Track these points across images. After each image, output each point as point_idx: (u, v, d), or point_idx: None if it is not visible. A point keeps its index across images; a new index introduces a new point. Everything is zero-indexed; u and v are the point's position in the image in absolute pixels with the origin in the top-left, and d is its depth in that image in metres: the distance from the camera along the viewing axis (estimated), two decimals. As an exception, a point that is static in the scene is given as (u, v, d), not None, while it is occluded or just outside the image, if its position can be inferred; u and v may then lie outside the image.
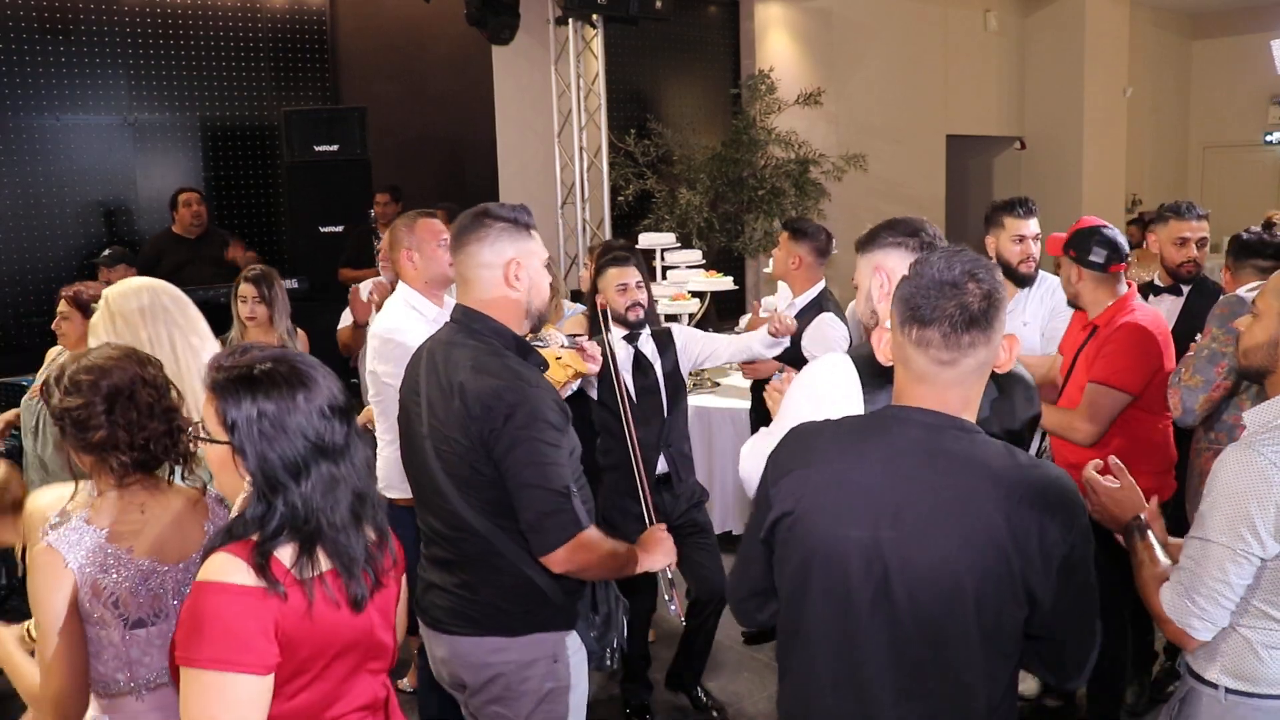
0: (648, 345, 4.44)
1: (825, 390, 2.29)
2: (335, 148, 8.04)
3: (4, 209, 8.00)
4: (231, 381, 1.91)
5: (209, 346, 2.93)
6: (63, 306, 4.61)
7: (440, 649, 2.75)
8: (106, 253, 6.59)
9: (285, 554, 1.88)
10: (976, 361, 1.87)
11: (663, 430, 4.35)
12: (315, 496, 1.91)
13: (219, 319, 6.73)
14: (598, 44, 9.14)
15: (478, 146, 9.51)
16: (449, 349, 2.66)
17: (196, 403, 2.30)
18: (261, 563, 1.85)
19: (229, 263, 7.40)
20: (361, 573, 1.96)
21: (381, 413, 3.92)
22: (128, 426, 2.17)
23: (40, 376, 4.70)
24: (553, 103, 9.31)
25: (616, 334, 4.40)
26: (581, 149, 9.29)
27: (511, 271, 2.67)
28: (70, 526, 2.14)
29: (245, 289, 5.08)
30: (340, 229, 8.01)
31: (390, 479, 3.85)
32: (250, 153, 8.97)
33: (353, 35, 9.44)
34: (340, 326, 5.76)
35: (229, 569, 1.84)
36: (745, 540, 2.10)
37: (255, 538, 1.88)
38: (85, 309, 4.61)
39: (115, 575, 2.12)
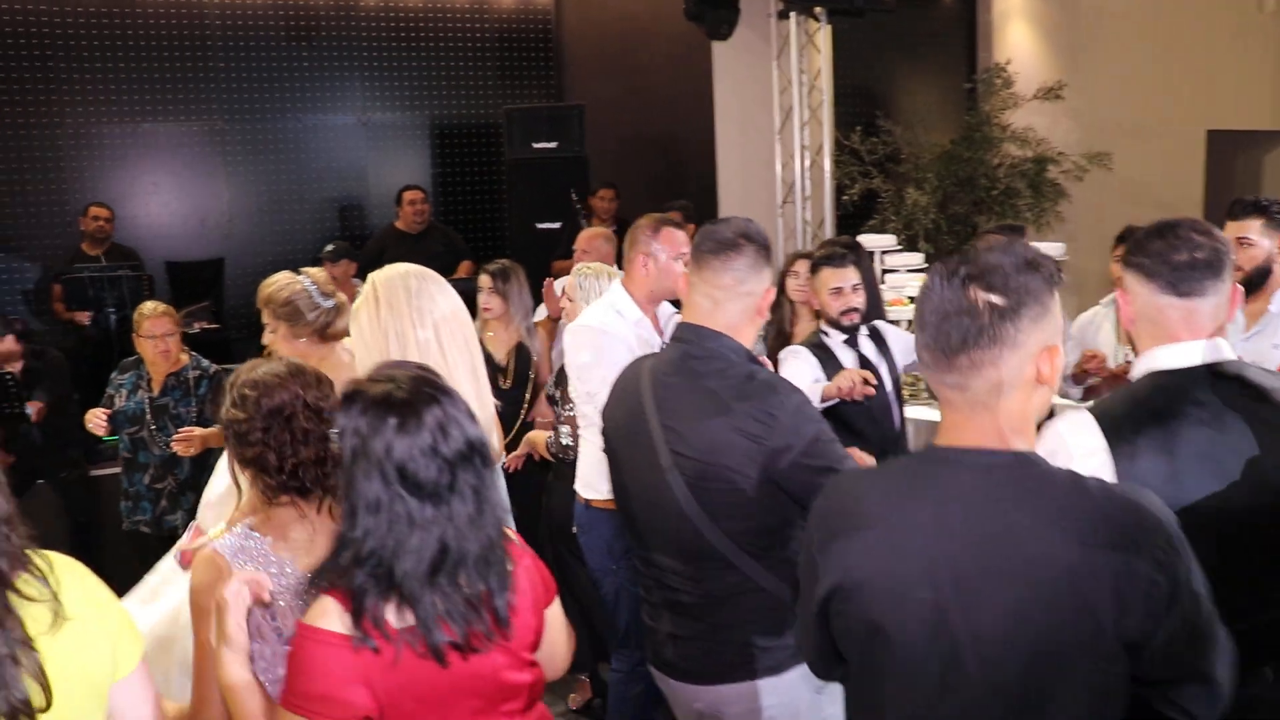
0: (868, 346, 4.21)
1: (1072, 453, 1.97)
2: (554, 145, 8.09)
3: (251, 205, 8.47)
4: (353, 391, 1.87)
5: (439, 338, 2.86)
6: None
7: (697, 701, 2.60)
8: (330, 248, 6.82)
9: (380, 601, 1.81)
10: (989, 383, 1.58)
11: (898, 438, 4.12)
12: (381, 535, 1.81)
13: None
14: (821, 38, 8.85)
15: (696, 144, 9.40)
16: (692, 376, 2.48)
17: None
18: (358, 610, 1.79)
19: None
20: (441, 623, 1.83)
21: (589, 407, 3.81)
22: (278, 449, 2.13)
23: None
24: (773, 99, 9.09)
25: (836, 338, 4.18)
26: (803, 147, 9.03)
27: (767, 301, 2.54)
28: (235, 533, 2.13)
29: (483, 280, 5.13)
30: (557, 225, 8.06)
31: (589, 478, 3.77)
32: (474, 150, 9.17)
33: (576, 33, 9.50)
34: (536, 319, 5.75)
35: (326, 614, 1.80)
36: (801, 603, 1.87)
37: (355, 580, 1.82)
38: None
39: (277, 585, 2.08)
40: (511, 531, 2.06)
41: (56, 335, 7.51)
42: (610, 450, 2.72)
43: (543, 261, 7.86)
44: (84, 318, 7.15)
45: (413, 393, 1.86)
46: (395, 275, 2.85)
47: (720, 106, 9.30)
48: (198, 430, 4.60)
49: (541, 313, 5.70)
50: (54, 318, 7.50)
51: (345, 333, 3.58)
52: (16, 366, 5.74)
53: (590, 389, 3.60)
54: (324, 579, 1.86)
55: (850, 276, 4.17)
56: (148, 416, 4.88)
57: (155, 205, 8.58)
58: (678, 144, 9.65)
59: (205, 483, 4.86)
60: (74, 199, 8.19)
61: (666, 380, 2.52)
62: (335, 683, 1.76)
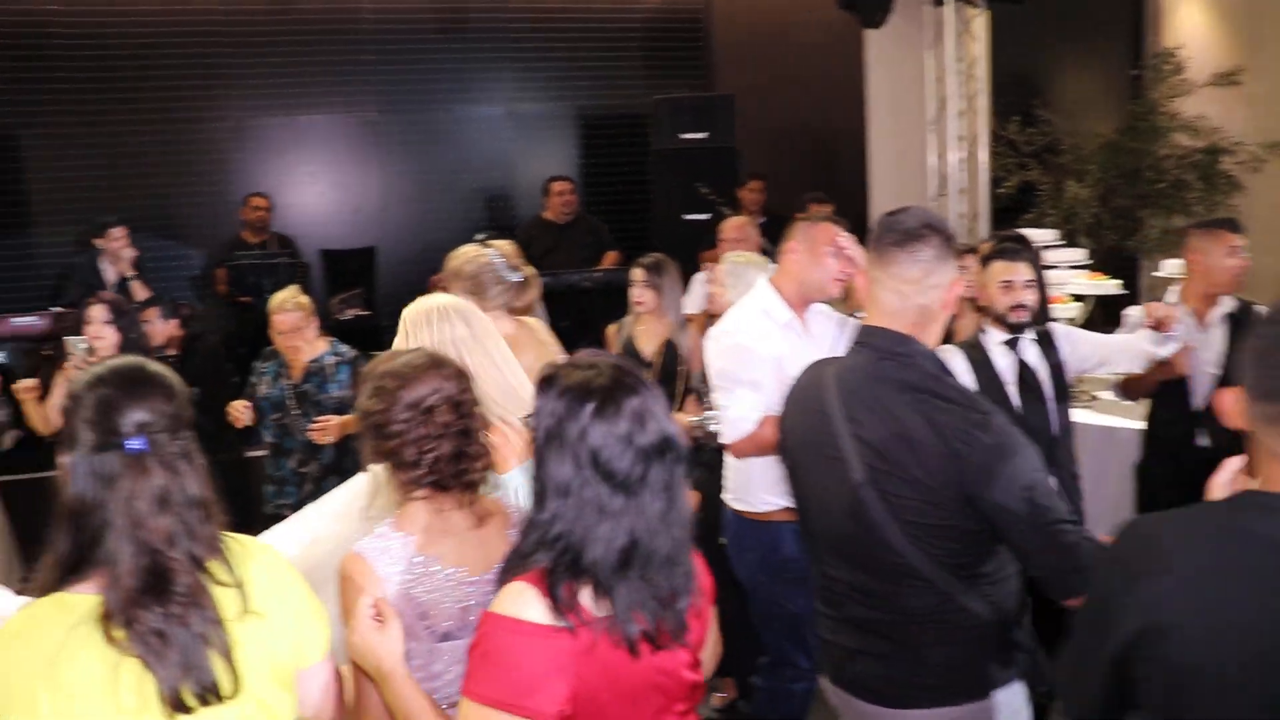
0: (1031, 351, 3.94)
1: None
2: (703, 135, 8.00)
3: (403, 195, 8.62)
4: (553, 374, 1.84)
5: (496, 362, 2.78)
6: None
7: None
8: (479, 237, 6.80)
9: (573, 585, 1.76)
10: None
11: (1053, 450, 3.81)
12: (569, 520, 1.77)
13: (592, 304, 6.95)
14: (979, 24, 8.55)
15: (847, 135, 9.19)
16: (886, 385, 2.34)
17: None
18: (553, 594, 1.74)
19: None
20: (635, 614, 1.78)
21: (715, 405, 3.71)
22: (417, 442, 2.07)
23: None
24: (928, 88, 8.82)
25: (995, 339, 3.98)
26: (958, 138, 8.74)
27: (954, 294, 2.38)
28: (379, 534, 2.09)
29: (636, 273, 5.08)
30: (705, 217, 7.96)
31: (738, 488, 3.66)
32: (621, 140, 9.13)
33: (725, 22, 9.38)
34: (683, 313, 5.65)
35: (522, 603, 1.75)
36: (1080, 650, 1.74)
37: (546, 564, 1.77)
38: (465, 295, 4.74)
39: (425, 585, 2.05)
40: None
41: (219, 319, 7.77)
42: (791, 462, 2.59)
43: (689, 254, 7.78)
44: (241, 303, 7.37)
45: (613, 380, 1.81)
46: (420, 310, 2.80)
47: (872, 96, 9.08)
48: (334, 419, 4.69)
49: (692, 306, 5.61)
50: (219, 301, 7.73)
51: (529, 308, 3.59)
52: (174, 350, 5.92)
53: (722, 400, 3.48)
54: (515, 567, 1.82)
55: (1022, 271, 3.95)
56: (290, 403, 4.96)
57: (311, 194, 8.80)
58: (828, 135, 9.45)
59: (349, 466, 4.96)
60: (235, 189, 8.46)
61: (857, 389, 2.39)
62: (534, 674, 1.72)
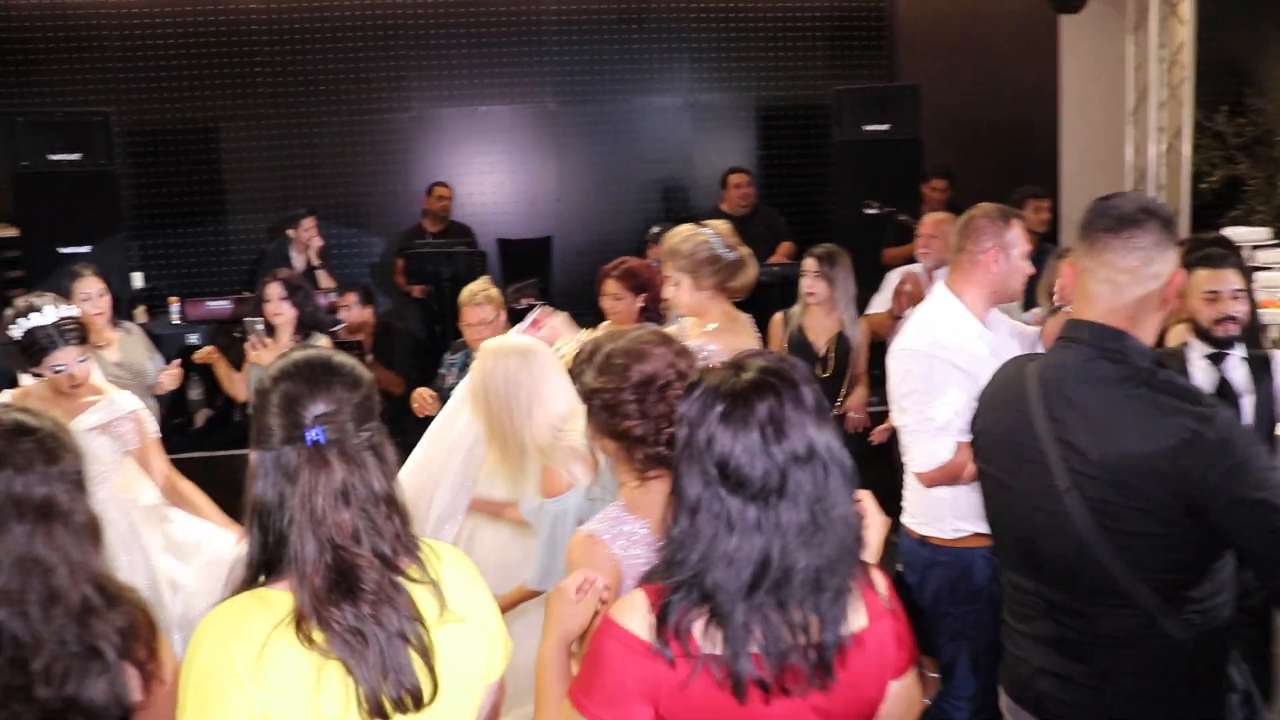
0: (1238, 371, 3.60)
1: None
2: (886, 127, 7.78)
3: (579, 186, 8.66)
4: (694, 380, 1.71)
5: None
6: (611, 286, 4.69)
7: None
8: (655, 229, 6.77)
9: (689, 612, 1.62)
10: None
11: None
12: (696, 536, 1.62)
13: (768, 297, 6.82)
14: (1186, 7, 8.05)
15: (1038, 127, 8.79)
16: (1094, 384, 2.17)
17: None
18: (663, 616, 1.61)
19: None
20: (751, 652, 1.60)
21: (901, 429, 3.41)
22: (656, 419, 2.01)
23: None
24: (1127, 77, 8.36)
25: (1199, 353, 3.64)
26: (1159, 129, 8.27)
27: (1174, 287, 2.18)
28: (612, 516, 2.03)
29: (809, 264, 4.97)
30: (888, 211, 7.73)
31: (921, 512, 3.41)
32: (801, 132, 8.97)
33: (911, 10, 9.11)
34: (869, 311, 5.46)
35: (632, 612, 1.65)
36: None
37: (669, 583, 1.64)
38: (639, 288, 4.67)
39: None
40: (879, 579, 1.79)
41: (395, 307, 7.94)
42: (984, 466, 2.42)
43: (869, 249, 7.56)
44: (420, 291, 7.50)
45: (753, 382, 1.65)
46: (494, 351, 3.00)
47: (1067, 86, 8.65)
48: None
49: (876, 304, 5.42)
50: (395, 290, 7.90)
51: (747, 287, 3.53)
52: (364, 336, 6.07)
53: (911, 424, 3.24)
54: (649, 577, 1.72)
55: (1230, 280, 3.60)
56: (474, 395, 4.99)
57: (490, 185, 8.93)
58: (1017, 127, 9.06)
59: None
60: (416, 179, 8.65)
61: (1061, 388, 2.20)
62: (620, 690, 1.62)
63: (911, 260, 5.45)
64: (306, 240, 7.16)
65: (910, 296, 4.93)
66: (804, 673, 1.62)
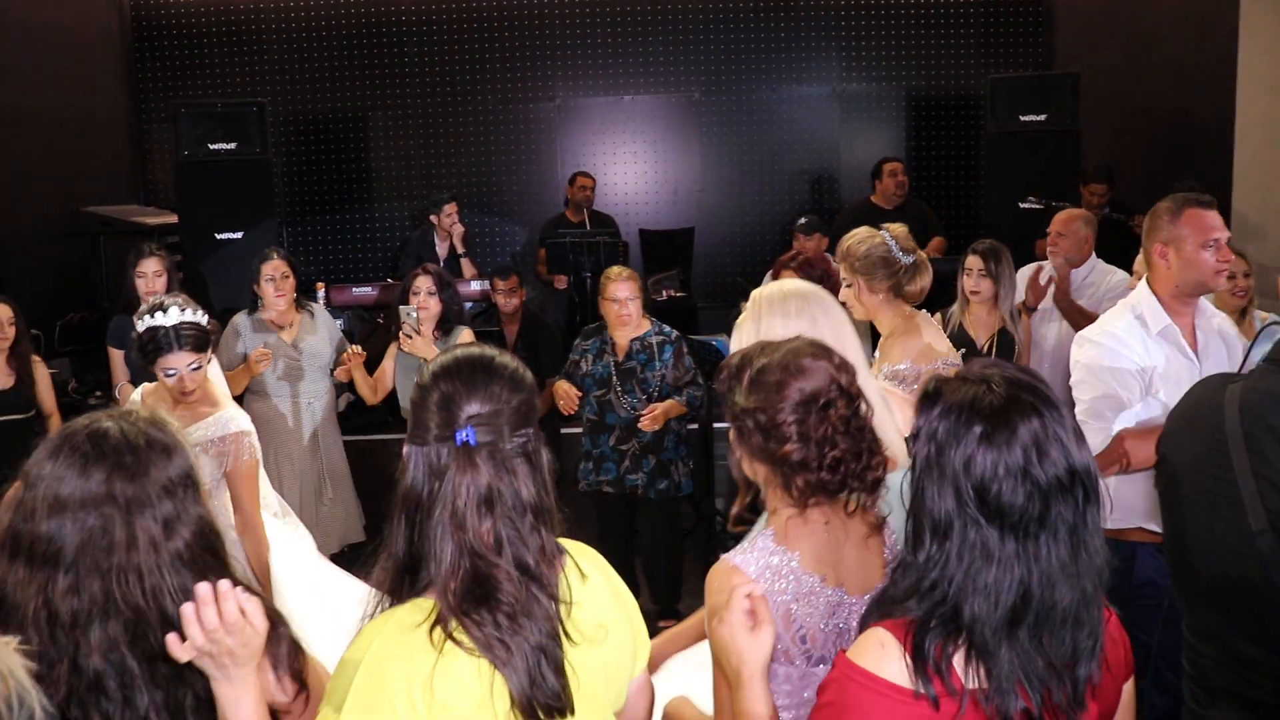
0: None
1: None
2: (1043, 117, 7.45)
3: (723, 176, 8.56)
4: (937, 388, 1.58)
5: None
6: (788, 277, 4.60)
7: None
8: (802, 220, 6.62)
9: (945, 645, 1.50)
10: None
11: None
12: (949, 566, 1.50)
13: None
14: (1382, -12, 7.50)
15: (1210, 116, 8.30)
16: None
17: None
18: (919, 653, 1.49)
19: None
20: (1018, 686, 1.49)
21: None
22: (818, 442, 1.82)
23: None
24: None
25: None
26: (1346, 118, 7.72)
27: None
28: (758, 546, 1.87)
29: (973, 261, 4.82)
30: (1043, 205, 7.41)
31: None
32: (953, 122, 8.69)
33: (1073, -6, 8.73)
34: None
35: (882, 656, 1.52)
36: None
37: (917, 615, 1.52)
38: (818, 279, 4.57)
39: (807, 606, 1.83)
40: None
41: (535, 296, 7.95)
42: (1168, 490, 2.22)
43: (1021, 244, 7.25)
44: (561, 281, 7.49)
45: (1009, 398, 1.53)
46: (776, 295, 2.50)
47: (1245, 71, 8.12)
48: (659, 407, 4.77)
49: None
50: (536, 279, 7.91)
51: (924, 292, 3.42)
52: (515, 325, 6.10)
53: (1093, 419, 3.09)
54: (883, 610, 1.59)
55: None
56: (614, 380, 4.93)
57: (633, 174, 8.90)
58: (1187, 116, 8.58)
59: (665, 445, 4.91)
60: (559, 168, 8.67)
61: (1266, 417, 2.00)
62: None
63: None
64: (449, 226, 7.22)
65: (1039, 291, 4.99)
66: (1063, 705, 1.53)
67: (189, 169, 7.05)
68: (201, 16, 8.96)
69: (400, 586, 1.63)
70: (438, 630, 1.56)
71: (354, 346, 4.98)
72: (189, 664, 1.60)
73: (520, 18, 8.84)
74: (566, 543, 1.75)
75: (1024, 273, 5.25)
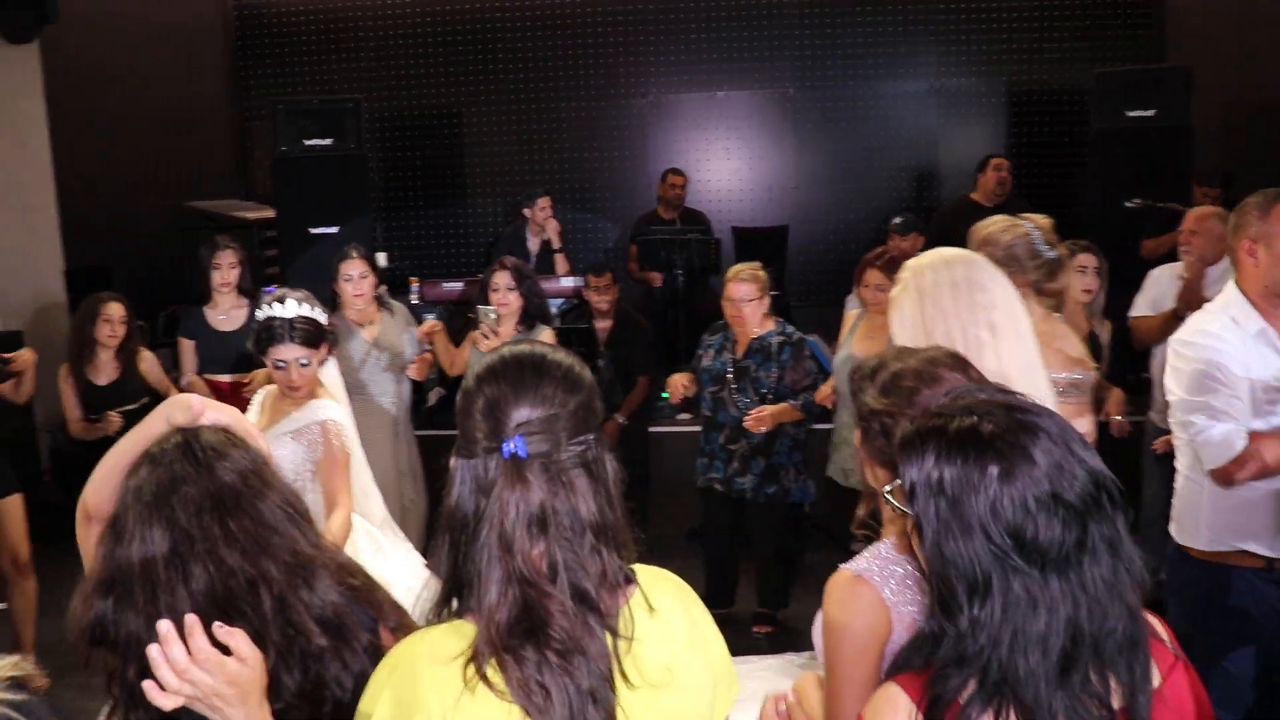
0: None
1: None
2: (1152, 113, 7.20)
3: (818, 173, 8.47)
4: (920, 432, 1.41)
5: (995, 337, 2.37)
6: (874, 275, 4.50)
7: None
8: (897, 220, 6.46)
9: (972, 703, 1.35)
10: None
11: None
12: (994, 626, 1.33)
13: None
14: None
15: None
16: None
17: None
18: (932, 712, 1.35)
19: None
20: None
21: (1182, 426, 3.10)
22: None
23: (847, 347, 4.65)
24: None
25: None
26: None
27: None
28: (880, 555, 1.78)
29: (1085, 259, 4.67)
30: (1147, 206, 7.15)
31: (1180, 516, 3.12)
32: (1056, 118, 8.46)
33: (1186, -16, 8.42)
34: (1133, 314, 5.01)
35: (890, 710, 1.39)
36: None
37: (931, 669, 1.37)
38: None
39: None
40: (1158, 624, 1.54)
41: (628, 294, 7.91)
42: None
43: (1126, 245, 7.01)
44: (655, 279, 7.43)
45: (1009, 424, 1.37)
46: (939, 263, 2.36)
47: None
48: (768, 409, 4.66)
49: (1140, 306, 5.00)
50: (628, 276, 7.88)
51: (1062, 293, 3.27)
52: (608, 323, 6.05)
53: (1186, 420, 2.96)
54: (901, 666, 1.46)
55: None
56: (729, 377, 4.87)
57: (726, 171, 8.83)
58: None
59: (776, 449, 4.82)
60: (652, 164, 8.62)
61: None
62: None
63: (1173, 254, 5.00)
64: (542, 220, 7.21)
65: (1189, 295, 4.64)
66: None
67: (286, 164, 7.15)
68: (302, 15, 9.11)
69: (445, 606, 1.48)
70: (471, 667, 1.38)
71: (432, 321, 4.97)
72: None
73: (614, 13, 8.82)
74: (642, 569, 1.54)
75: (1156, 276, 4.98)
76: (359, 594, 1.73)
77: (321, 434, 3.38)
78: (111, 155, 7.94)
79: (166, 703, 1.44)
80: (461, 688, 1.37)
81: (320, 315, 3.48)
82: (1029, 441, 1.35)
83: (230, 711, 1.46)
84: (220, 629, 1.46)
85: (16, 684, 1.34)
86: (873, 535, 1.90)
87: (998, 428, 1.37)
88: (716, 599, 4.97)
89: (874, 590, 1.74)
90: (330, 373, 3.67)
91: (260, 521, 1.65)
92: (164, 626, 1.43)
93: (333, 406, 3.48)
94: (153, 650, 1.43)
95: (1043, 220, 3.24)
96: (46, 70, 7.11)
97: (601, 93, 8.94)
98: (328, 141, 7.18)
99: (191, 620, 1.45)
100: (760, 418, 4.62)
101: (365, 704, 1.43)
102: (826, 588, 1.80)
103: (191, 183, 8.34)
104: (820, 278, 8.31)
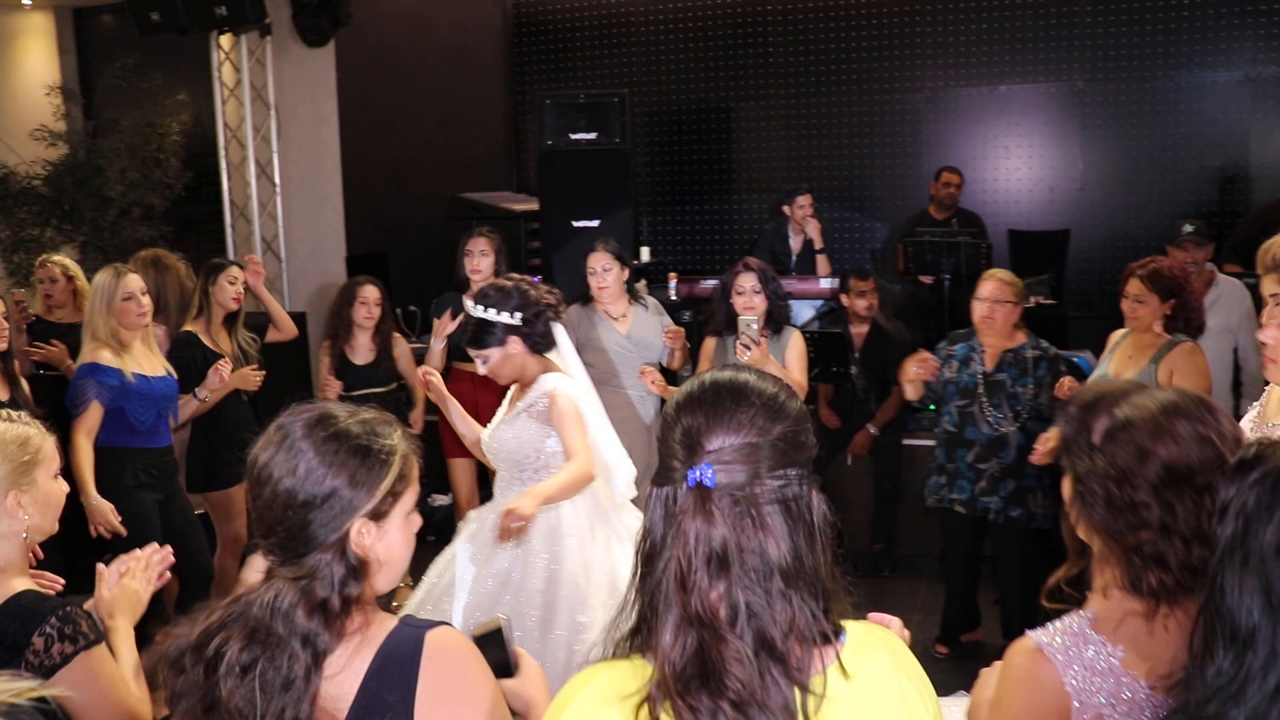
0: None
1: None
2: None
3: (1107, 174, 7.89)
4: (1251, 455, 1.21)
5: None
6: (1135, 286, 4.06)
7: None
8: (1188, 228, 5.73)
9: None
10: None
11: None
12: (1252, 692, 1.12)
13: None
14: None
15: None
16: None
17: None
18: None
19: None
20: None
21: None
22: (1185, 538, 1.43)
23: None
24: None
25: None
26: None
27: None
28: (1072, 630, 1.50)
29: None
30: None
31: None
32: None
33: None
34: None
35: None
36: None
37: None
38: (1168, 292, 4.01)
39: (1124, 711, 1.46)
40: None
41: (890, 299, 7.56)
42: None
43: None
44: (926, 281, 7.07)
45: None
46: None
47: None
48: (1053, 437, 4.14)
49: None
50: (897, 277, 7.54)
51: None
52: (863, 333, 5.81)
53: None
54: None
55: None
56: (980, 390, 4.52)
57: (1004, 170, 8.33)
58: None
59: (1027, 470, 4.44)
60: (925, 162, 8.25)
61: None
62: None
63: None
64: (801, 219, 7.01)
65: None
66: None
67: (551, 158, 7.24)
68: (574, 11, 9.25)
69: (633, 637, 1.38)
70: (644, 710, 1.29)
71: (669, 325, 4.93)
72: None
73: (889, 3, 8.46)
74: (858, 628, 1.40)
75: None
76: None
77: (549, 401, 3.43)
78: (392, 149, 8.29)
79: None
80: None
81: (501, 316, 3.42)
82: None
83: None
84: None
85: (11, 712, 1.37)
86: (1070, 603, 1.60)
87: None
88: (958, 624, 4.71)
89: (1055, 672, 1.47)
90: (563, 346, 3.64)
91: None
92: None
93: (555, 377, 3.50)
94: None
95: None
96: (339, 71, 7.51)
97: (875, 86, 8.60)
98: (592, 135, 7.21)
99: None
100: (1049, 450, 4.07)
101: None
102: (1006, 653, 1.55)
103: (466, 174, 8.60)
104: (1101, 289, 7.66)
